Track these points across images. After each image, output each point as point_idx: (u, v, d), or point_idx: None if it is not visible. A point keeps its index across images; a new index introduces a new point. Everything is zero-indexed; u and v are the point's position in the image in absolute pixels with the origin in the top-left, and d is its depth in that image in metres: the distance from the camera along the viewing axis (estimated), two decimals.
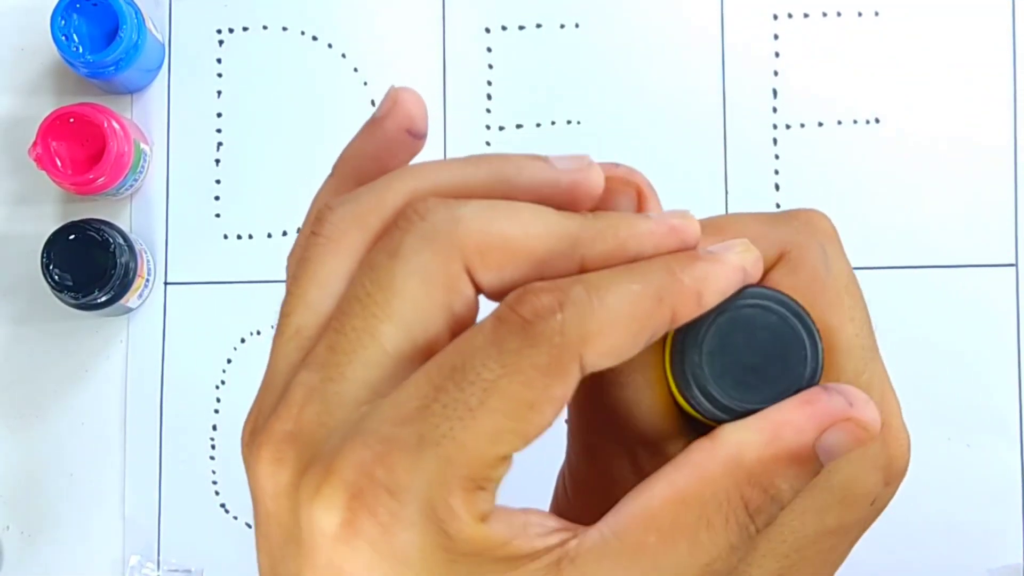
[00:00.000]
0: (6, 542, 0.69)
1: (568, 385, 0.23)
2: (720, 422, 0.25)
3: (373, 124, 0.28)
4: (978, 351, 0.67)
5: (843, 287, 0.28)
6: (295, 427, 0.23)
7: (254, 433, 0.24)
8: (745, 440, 0.24)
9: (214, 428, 0.69)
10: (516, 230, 0.24)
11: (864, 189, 0.68)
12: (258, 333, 0.69)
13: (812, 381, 0.25)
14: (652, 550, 0.23)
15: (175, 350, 0.70)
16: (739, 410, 0.25)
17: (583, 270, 0.24)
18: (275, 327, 0.26)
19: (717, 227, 0.28)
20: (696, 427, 0.27)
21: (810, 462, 0.24)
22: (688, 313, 0.24)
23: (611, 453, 0.28)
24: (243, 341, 0.69)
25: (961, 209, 0.68)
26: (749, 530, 0.24)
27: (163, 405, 0.69)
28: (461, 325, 0.24)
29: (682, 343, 0.26)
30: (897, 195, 0.68)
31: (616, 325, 0.23)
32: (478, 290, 0.24)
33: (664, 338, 0.27)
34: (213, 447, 0.69)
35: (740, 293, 0.26)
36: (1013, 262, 0.68)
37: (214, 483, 0.69)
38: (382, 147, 0.28)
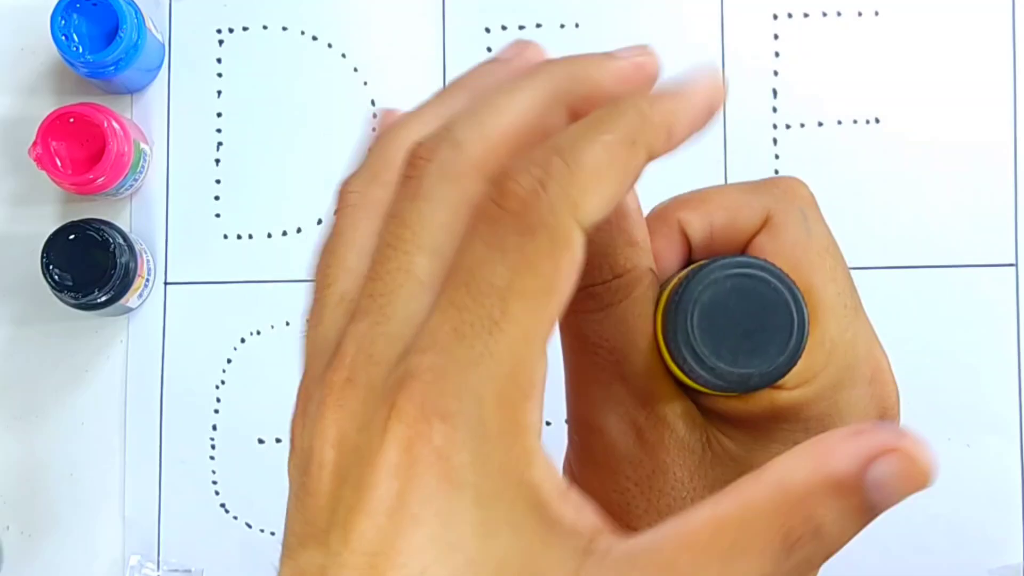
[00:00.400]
0: (6, 542, 0.69)
1: (575, 252, 0.23)
2: (728, 391, 0.26)
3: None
4: (978, 351, 0.67)
5: (824, 248, 0.29)
6: (351, 374, 0.24)
7: (308, 398, 0.25)
8: (791, 466, 0.23)
9: (214, 428, 0.69)
10: (506, 118, 0.25)
11: (864, 189, 0.68)
12: (258, 333, 0.69)
13: (802, 329, 0.26)
14: (681, 570, 0.23)
15: (175, 350, 0.69)
16: (748, 373, 0.26)
17: (572, 114, 0.25)
18: (313, 298, 0.26)
19: (701, 198, 0.29)
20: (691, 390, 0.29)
21: (855, 494, 0.23)
22: (661, 148, 0.25)
23: (613, 427, 0.29)
24: (243, 341, 0.69)
25: (961, 209, 0.68)
26: (784, 567, 0.23)
27: (163, 405, 0.69)
28: None
29: (673, 329, 0.27)
30: (897, 195, 0.68)
31: (599, 180, 0.24)
32: None
33: (655, 303, 0.28)
34: (213, 447, 0.69)
35: (708, 265, 0.27)
36: (1013, 262, 0.68)
37: (214, 483, 0.69)
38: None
